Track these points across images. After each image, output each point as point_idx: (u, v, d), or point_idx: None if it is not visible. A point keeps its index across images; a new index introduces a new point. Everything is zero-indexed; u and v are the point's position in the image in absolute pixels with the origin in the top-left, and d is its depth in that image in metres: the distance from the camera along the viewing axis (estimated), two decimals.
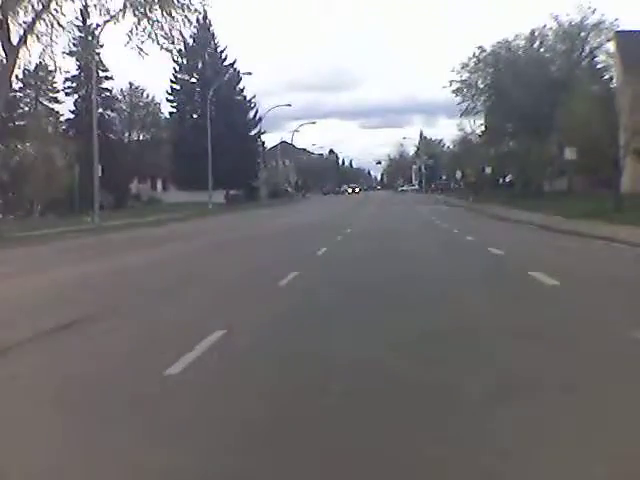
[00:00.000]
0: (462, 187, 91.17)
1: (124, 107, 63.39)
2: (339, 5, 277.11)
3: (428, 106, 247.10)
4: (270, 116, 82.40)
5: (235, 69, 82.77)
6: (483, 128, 79.65)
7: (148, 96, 64.94)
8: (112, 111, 62.20)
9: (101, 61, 59.96)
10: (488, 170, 60.60)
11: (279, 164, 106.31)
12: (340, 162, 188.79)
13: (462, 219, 37.49)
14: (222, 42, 79.86)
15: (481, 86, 60.43)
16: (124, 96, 63.72)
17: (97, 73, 60.19)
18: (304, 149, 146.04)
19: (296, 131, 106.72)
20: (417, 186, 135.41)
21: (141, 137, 64.57)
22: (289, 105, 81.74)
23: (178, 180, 76.52)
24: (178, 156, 74.99)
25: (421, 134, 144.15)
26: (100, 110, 60.64)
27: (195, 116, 78.79)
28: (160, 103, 66.25)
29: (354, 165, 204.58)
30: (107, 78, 61.13)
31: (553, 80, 56.03)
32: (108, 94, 61.14)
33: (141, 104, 64.63)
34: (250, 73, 71.04)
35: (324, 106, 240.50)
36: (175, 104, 77.70)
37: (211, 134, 78.03)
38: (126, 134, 63.84)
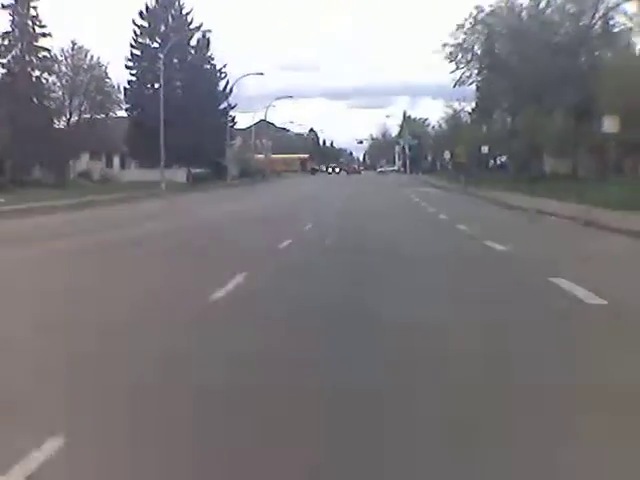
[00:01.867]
0: (449, 169, 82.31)
1: (65, 70, 52.63)
2: None
3: (413, 87, 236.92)
4: (253, 96, 76.24)
5: (204, 34, 73.06)
6: (474, 105, 71.19)
7: (92, 58, 54.18)
8: (50, 74, 51.43)
9: (37, 15, 49.58)
10: (484, 149, 51.26)
11: (253, 142, 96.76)
12: (321, 142, 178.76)
13: (464, 209, 28.44)
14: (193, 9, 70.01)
15: (478, 51, 51.01)
16: (65, 58, 53.00)
17: (33, 29, 50.43)
18: (284, 128, 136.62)
19: (272, 106, 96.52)
20: (398, 167, 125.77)
21: (85, 106, 53.64)
22: (261, 74, 71.91)
23: (138, 156, 66.79)
24: (137, 129, 65.23)
25: (404, 114, 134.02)
26: (36, 73, 50.70)
27: (157, 85, 68.92)
28: (107, 66, 55.51)
29: (335, 145, 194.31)
30: (45, 35, 50.12)
31: (560, 46, 47.08)
32: (46, 54, 50.30)
33: (85, 67, 53.66)
34: (210, 31, 61.68)
35: (308, 86, 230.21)
36: (135, 72, 67.72)
37: (174, 105, 68.59)
38: (67, 102, 53.08)
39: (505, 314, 7.42)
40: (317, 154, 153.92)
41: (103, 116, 56.68)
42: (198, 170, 66.50)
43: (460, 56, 50.59)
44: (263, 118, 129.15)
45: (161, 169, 49.02)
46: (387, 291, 9.00)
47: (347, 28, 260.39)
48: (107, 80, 56.37)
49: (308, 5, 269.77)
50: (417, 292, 8.99)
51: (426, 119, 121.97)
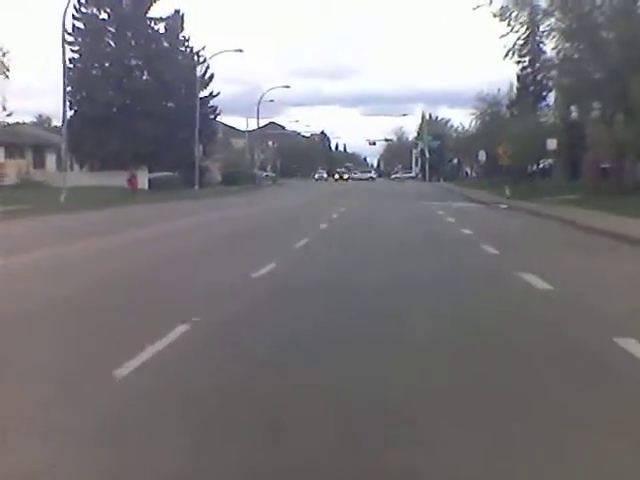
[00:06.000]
0: (480, 175, 64.92)
1: None
2: None
3: (429, 94, 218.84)
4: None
5: (177, 11, 55.87)
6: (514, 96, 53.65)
7: None
8: None
9: None
10: (551, 144, 33.19)
11: (247, 143, 79.77)
12: (333, 146, 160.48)
13: (621, 283, 10.54)
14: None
15: (543, 5, 33.04)
16: None
17: None
18: (295, 131, 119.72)
19: (271, 101, 78.55)
20: (415, 173, 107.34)
21: None
22: (241, 51, 54.02)
23: (80, 155, 49.89)
24: (79, 120, 48.27)
25: (423, 115, 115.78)
26: None
27: (107, 65, 51.68)
28: None
29: (349, 150, 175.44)
30: None
31: None
32: None
33: None
34: None
35: (325, 93, 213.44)
36: (77, 48, 50.52)
37: (133, 91, 51.56)
38: None
39: None
40: (327, 158, 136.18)
41: None
42: (162, 174, 49.34)
43: (516, 13, 32.66)
44: (272, 121, 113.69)
45: (64, 173, 31.59)
46: None
47: (361, 35, 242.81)
48: None
49: (324, 8, 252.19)
50: None
51: (448, 119, 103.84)
